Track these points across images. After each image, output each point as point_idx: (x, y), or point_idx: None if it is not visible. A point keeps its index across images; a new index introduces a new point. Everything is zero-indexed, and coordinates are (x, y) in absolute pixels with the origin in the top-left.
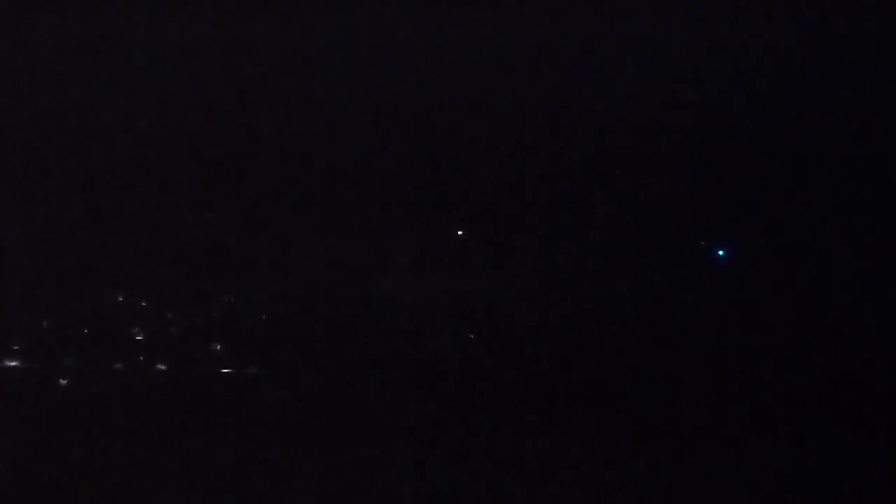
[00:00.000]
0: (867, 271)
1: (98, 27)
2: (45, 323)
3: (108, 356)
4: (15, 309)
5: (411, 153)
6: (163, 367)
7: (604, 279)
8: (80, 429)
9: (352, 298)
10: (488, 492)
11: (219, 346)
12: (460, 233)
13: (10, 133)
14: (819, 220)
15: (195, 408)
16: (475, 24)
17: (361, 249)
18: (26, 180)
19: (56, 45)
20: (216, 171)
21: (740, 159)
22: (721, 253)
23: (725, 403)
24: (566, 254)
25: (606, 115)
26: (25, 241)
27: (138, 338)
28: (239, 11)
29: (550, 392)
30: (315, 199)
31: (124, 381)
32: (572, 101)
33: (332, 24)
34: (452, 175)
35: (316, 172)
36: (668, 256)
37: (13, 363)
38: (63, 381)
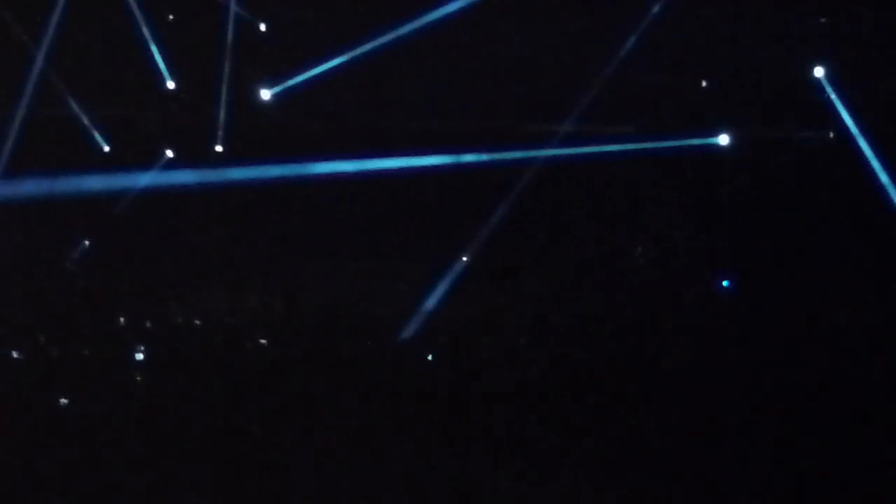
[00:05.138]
0: (875, 299)
1: None
2: (44, 341)
3: (107, 375)
4: (15, 328)
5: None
6: (163, 387)
7: (604, 307)
8: (79, 448)
9: (353, 320)
10: None
11: (221, 367)
12: (464, 258)
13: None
14: (826, 249)
15: (196, 428)
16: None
17: (364, 272)
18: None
19: None
20: (218, 194)
21: (745, 187)
22: (725, 283)
23: (729, 433)
24: (567, 281)
25: (608, 142)
26: (25, 258)
27: (139, 357)
28: None
29: (551, 415)
30: (317, 222)
31: (124, 399)
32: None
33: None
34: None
35: (317, 194)
36: (671, 287)
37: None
38: (63, 401)
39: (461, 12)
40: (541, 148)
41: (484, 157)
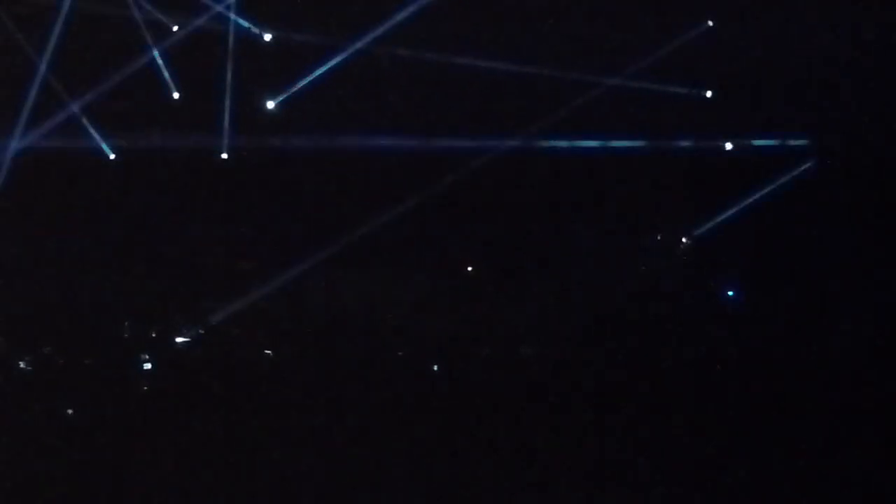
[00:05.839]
0: (879, 304)
1: None
2: (48, 351)
3: (113, 385)
4: (20, 338)
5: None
6: (168, 396)
7: (605, 311)
8: (85, 457)
9: (356, 328)
10: None
11: (225, 377)
12: (470, 269)
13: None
14: (827, 251)
15: (202, 436)
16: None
17: (369, 282)
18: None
19: None
20: (223, 202)
21: (748, 196)
22: (731, 293)
23: (730, 435)
24: (575, 291)
25: (612, 157)
26: (30, 268)
27: (146, 366)
28: None
29: (552, 419)
30: (319, 227)
31: (130, 409)
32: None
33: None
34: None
35: (324, 202)
36: (676, 296)
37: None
38: (69, 411)
39: (462, 14)
40: (544, 151)
41: (483, 159)
